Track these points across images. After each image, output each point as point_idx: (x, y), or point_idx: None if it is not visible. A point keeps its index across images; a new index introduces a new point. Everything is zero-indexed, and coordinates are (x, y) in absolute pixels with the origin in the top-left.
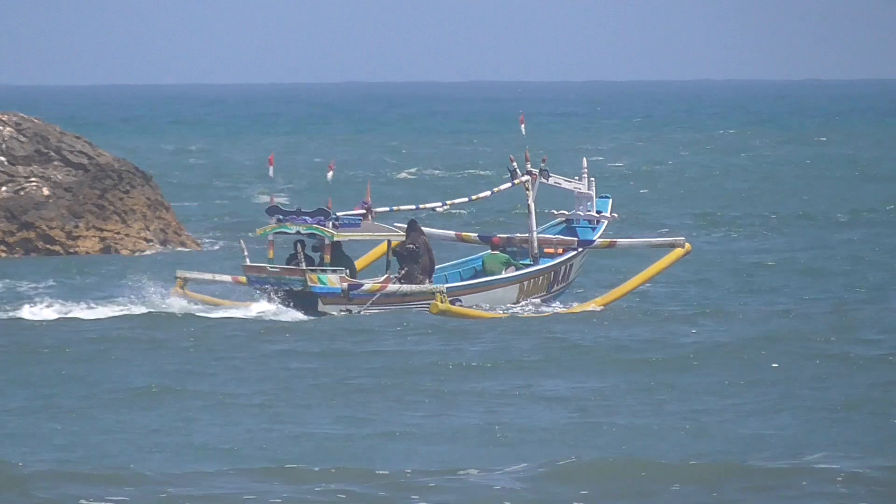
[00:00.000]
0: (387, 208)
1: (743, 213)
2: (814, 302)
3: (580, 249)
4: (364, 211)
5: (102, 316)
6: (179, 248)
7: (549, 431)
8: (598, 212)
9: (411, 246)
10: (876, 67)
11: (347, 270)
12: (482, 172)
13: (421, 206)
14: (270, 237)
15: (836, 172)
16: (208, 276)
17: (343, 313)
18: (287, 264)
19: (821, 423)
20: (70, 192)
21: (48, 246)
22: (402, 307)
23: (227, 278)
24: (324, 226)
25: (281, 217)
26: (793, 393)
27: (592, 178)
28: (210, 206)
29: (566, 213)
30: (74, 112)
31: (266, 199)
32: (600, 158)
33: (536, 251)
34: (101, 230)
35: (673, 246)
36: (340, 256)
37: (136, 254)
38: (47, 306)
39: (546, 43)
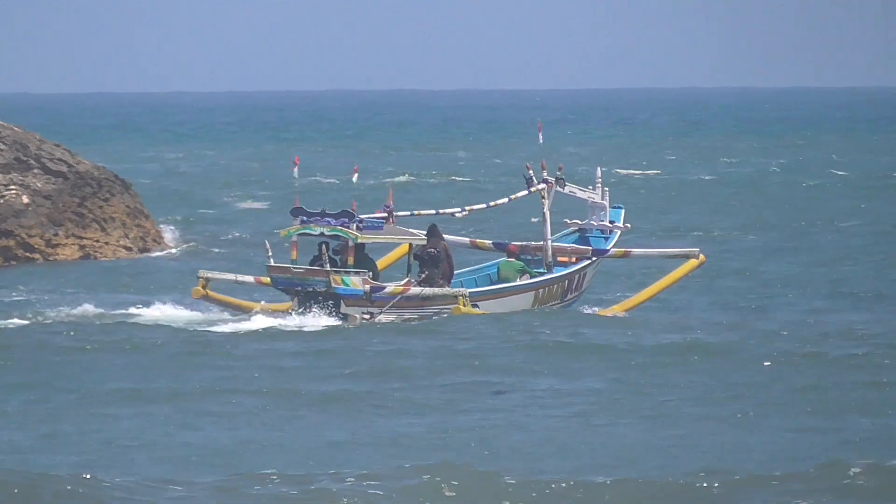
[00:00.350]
0: (408, 212)
1: (726, 219)
2: (800, 306)
3: (594, 259)
4: (386, 215)
5: (87, 322)
6: (157, 253)
7: (531, 442)
8: (611, 222)
9: (432, 250)
10: (856, 76)
11: (370, 273)
12: (464, 179)
13: (441, 211)
14: (294, 238)
15: (819, 179)
16: (230, 277)
17: (366, 316)
18: (311, 265)
19: (812, 426)
20: (49, 200)
21: (27, 254)
22: (423, 311)
23: (250, 279)
24: (348, 227)
25: (305, 218)
26: (781, 399)
27: (606, 188)
28: (192, 213)
29: (579, 222)
30: (60, 119)
31: (248, 205)
32: (585, 168)
33: (551, 259)
34: (81, 238)
35: (687, 257)
36: (364, 259)
37: (117, 258)
38: (29, 313)
39: (532, 52)
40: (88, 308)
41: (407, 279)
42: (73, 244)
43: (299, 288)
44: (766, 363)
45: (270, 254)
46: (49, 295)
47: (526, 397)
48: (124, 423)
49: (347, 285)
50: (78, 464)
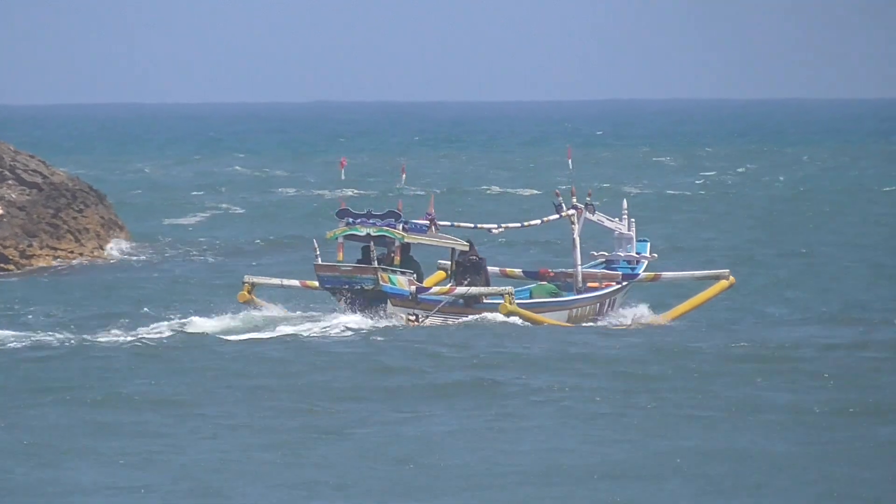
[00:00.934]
0: (448, 223)
1: (712, 231)
2: (787, 313)
3: (625, 283)
4: (428, 222)
5: (65, 332)
6: (132, 263)
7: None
8: (638, 253)
9: (474, 257)
10: (837, 88)
11: (415, 275)
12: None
13: (479, 225)
14: (340, 240)
15: (802, 187)
16: (276, 281)
17: (411, 317)
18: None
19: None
20: (24, 211)
21: (2, 265)
22: (469, 317)
23: (296, 283)
24: (394, 228)
25: (351, 220)
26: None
27: (633, 220)
28: (169, 222)
29: (606, 253)
30: (43, 133)
31: (225, 213)
32: (563, 182)
33: (581, 284)
34: (55, 249)
35: (717, 278)
36: (409, 260)
37: (91, 269)
38: (4, 325)
39: (518, 64)
40: (64, 318)
41: (450, 284)
42: (47, 255)
43: (346, 286)
44: (758, 380)
45: (318, 252)
46: (23, 306)
47: (523, 401)
48: (103, 442)
49: (394, 284)
50: (64, 484)
